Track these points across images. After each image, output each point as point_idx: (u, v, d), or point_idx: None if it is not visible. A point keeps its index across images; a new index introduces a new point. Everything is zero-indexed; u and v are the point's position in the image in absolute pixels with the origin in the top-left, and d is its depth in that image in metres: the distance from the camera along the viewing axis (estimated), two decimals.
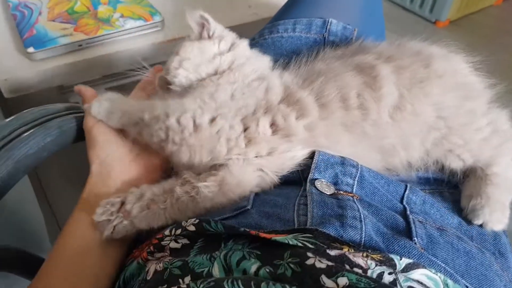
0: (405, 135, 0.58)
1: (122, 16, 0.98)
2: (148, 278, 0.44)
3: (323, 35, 0.71)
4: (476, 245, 0.52)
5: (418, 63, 0.60)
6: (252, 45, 0.73)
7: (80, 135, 0.60)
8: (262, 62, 0.63)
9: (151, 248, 0.48)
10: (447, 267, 0.46)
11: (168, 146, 0.54)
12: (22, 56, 0.88)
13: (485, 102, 0.63)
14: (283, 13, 0.75)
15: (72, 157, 1.13)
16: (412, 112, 0.57)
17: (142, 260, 0.49)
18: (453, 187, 0.61)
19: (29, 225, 0.83)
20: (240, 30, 0.76)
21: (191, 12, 0.64)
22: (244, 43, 0.65)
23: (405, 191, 0.55)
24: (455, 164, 0.60)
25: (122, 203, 0.51)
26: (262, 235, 0.41)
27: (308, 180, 0.52)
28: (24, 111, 0.56)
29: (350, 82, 0.58)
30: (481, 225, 0.56)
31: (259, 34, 0.75)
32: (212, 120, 0.54)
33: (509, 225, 0.58)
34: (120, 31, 0.94)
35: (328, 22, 0.71)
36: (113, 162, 0.57)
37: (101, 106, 0.60)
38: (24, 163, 0.50)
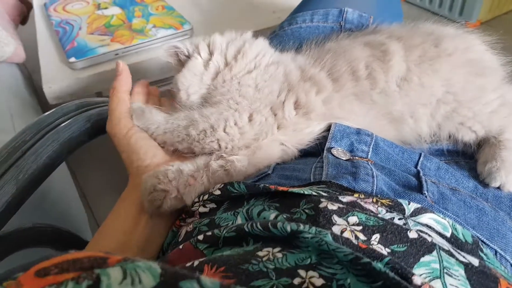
0: (412, 103, 0.60)
1: (154, 26, 1.05)
2: (180, 240, 0.47)
3: (340, 23, 0.75)
4: (490, 205, 0.52)
5: (429, 42, 0.62)
6: (272, 37, 0.77)
7: None
8: (262, 45, 0.65)
9: (183, 215, 0.52)
10: (457, 219, 0.47)
11: (222, 152, 0.56)
12: (65, 66, 0.96)
13: (497, 79, 0.64)
14: (302, 7, 0.79)
15: (112, 164, 1.19)
16: (419, 83, 0.60)
17: (175, 228, 0.52)
18: (468, 157, 0.62)
19: (72, 216, 0.89)
20: (265, 34, 0.80)
21: (162, 53, 0.67)
22: (246, 36, 0.67)
23: (419, 158, 0.56)
24: (468, 136, 0.61)
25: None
26: (280, 188, 0.44)
27: (325, 148, 0.54)
28: (68, 102, 0.62)
29: (359, 55, 0.61)
30: (498, 188, 0.56)
31: (279, 27, 0.79)
32: (250, 117, 0.57)
33: None
34: (153, 40, 1.01)
35: (344, 11, 0.74)
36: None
37: (142, 117, 0.60)
38: (68, 145, 0.56)
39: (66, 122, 0.57)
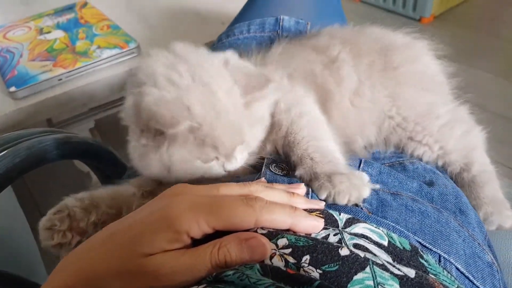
0: (365, 123, 0.61)
1: (99, 47, 1.02)
2: None
3: (277, 32, 0.74)
4: (434, 206, 0.52)
5: (377, 52, 0.62)
6: (212, 50, 0.76)
7: (53, 156, 0.62)
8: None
9: None
10: (397, 226, 0.46)
11: None
12: (6, 97, 0.92)
13: (446, 93, 0.65)
14: (239, 18, 0.78)
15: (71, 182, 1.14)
16: (371, 99, 0.60)
17: None
18: (412, 157, 0.62)
19: (22, 252, 0.84)
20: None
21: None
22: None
23: (360, 165, 0.55)
24: (420, 150, 0.62)
25: None
26: None
27: (264, 164, 0.53)
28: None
29: (313, 59, 0.60)
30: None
31: (218, 39, 0.78)
32: None
33: None
34: (97, 61, 0.98)
35: (280, 19, 0.74)
36: None
37: None
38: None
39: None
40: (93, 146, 0.65)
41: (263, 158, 0.55)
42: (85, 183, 1.23)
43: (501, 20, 2.41)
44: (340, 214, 0.41)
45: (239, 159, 0.52)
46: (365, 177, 0.49)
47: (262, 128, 0.53)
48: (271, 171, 0.52)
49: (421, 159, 0.62)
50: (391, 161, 0.61)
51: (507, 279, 0.64)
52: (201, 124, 0.47)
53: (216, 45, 0.77)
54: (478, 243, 0.51)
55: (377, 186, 0.51)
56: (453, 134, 0.62)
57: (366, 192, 0.47)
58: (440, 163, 0.63)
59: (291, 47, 0.63)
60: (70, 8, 1.21)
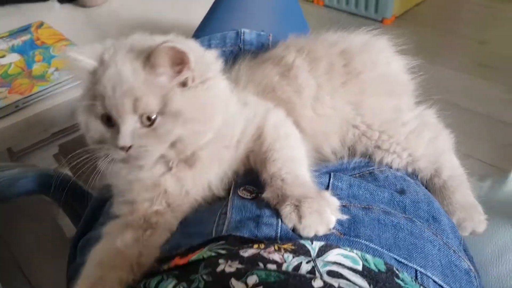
0: (328, 130, 0.60)
1: (56, 69, 0.98)
2: None
3: (239, 46, 0.73)
4: (407, 216, 0.52)
5: (335, 55, 0.61)
6: None
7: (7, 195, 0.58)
8: None
9: None
10: (370, 244, 0.45)
11: None
12: None
13: (410, 95, 0.64)
14: (200, 31, 0.77)
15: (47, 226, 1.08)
16: (331, 106, 0.59)
17: None
18: (381, 165, 0.62)
19: None
20: None
21: None
22: None
23: (329, 180, 0.54)
24: (389, 158, 0.61)
25: None
26: (181, 262, 0.40)
27: (232, 188, 0.51)
28: None
29: (269, 72, 0.59)
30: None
31: None
32: None
33: None
34: (55, 85, 0.94)
35: (241, 32, 0.72)
36: None
37: None
38: None
39: None
40: (52, 178, 0.62)
41: (234, 179, 0.53)
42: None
43: (458, 18, 2.49)
44: (312, 243, 0.40)
45: (131, 130, 0.48)
46: (335, 202, 0.47)
47: (180, 123, 0.48)
48: (239, 195, 0.50)
49: (390, 167, 0.61)
50: (361, 171, 0.60)
51: (485, 277, 0.64)
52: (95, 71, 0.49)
53: None
54: (454, 251, 0.50)
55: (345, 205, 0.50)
56: (421, 140, 0.61)
57: (333, 223, 0.45)
58: (410, 169, 0.62)
59: (252, 64, 0.62)
60: (25, 29, 1.16)
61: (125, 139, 0.47)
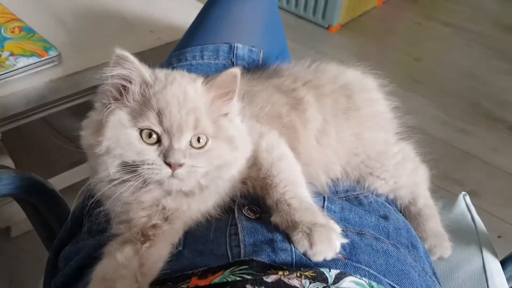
0: (329, 162, 0.64)
1: (12, 54, 0.90)
2: None
3: (231, 60, 0.73)
4: (392, 242, 0.56)
5: (338, 92, 0.66)
6: None
7: None
8: None
9: None
10: (370, 270, 0.49)
11: None
12: None
13: (394, 131, 0.72)
14: (189, 40, 0.75)
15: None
16: (336, 138, 0.64)
17: None
18: (364, 190, 0.68)
19: None
20: (144, 56, 0.73)
21: None
22: None
23: (324, 202, 0.58)
24: (378, 183, 0.67)
25: None
26: (201, 283, 0.41)
27: (236, 206, 0.53)
28: None
29: (278, 101, 0.62)
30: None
31: (167, 63, 0.74)
32: None
33: None
34: (11, 71, 0.86)
35: (234, 47, 0.73)
36: None
37: None
38: None
39: None
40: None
41: (233, 200, 0.54)
42: None
43: (395, 33, 2.66)
44: (330, 271, 0.43)
45: (184, 148, 0.47)
46: (338, 228, 0.51)
47: (229, 148, 0.50)
48: (245, 216, 0.52)
49: (372, 192, 0.66)
50: (346, 195, 0.64)
51: None
52: (152, 85, 0.48)
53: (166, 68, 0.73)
54: (429, 276, 0.56)
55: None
56: (405, 171, 0.68)
57: (338, 248, 0.48)
58: (391, 196, 0.69)
59: (252, 84, 0.63)
60: None
61: (179, 155, 0.46)
